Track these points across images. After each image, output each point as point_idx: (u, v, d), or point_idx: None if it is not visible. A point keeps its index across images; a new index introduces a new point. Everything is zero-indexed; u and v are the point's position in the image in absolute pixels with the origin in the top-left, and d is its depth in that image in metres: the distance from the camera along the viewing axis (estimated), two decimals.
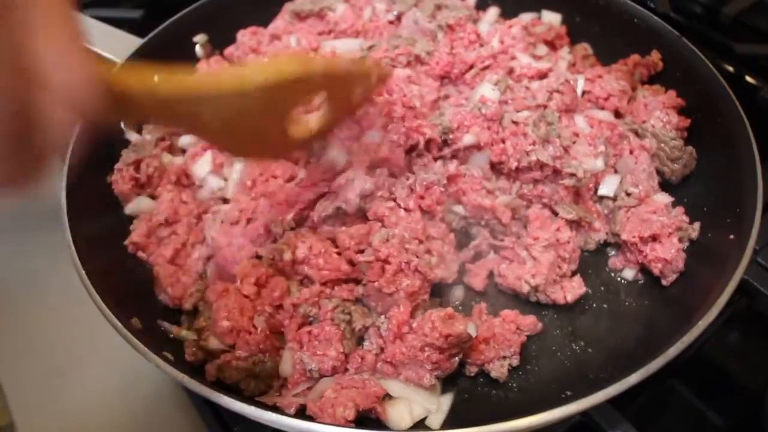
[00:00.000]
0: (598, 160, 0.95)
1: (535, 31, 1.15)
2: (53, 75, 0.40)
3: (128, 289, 0.88)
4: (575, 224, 0.95)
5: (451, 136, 0.95)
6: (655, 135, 1.01)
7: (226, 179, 1.00)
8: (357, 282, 0.87)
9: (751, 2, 1.33)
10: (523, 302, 0.91)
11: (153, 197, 1.00)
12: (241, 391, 0.79)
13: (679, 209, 0.95)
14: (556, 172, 0.94)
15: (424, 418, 0.78)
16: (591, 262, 0.97)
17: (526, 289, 0.88)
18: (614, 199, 0.98)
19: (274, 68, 0.66)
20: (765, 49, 1.27)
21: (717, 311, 0.74)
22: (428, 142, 0.95)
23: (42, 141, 0.41)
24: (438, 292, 0.90)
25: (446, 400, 0.80)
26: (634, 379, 0.68)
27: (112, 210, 0.99)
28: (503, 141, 0.94)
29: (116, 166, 1.01)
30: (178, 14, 1.21)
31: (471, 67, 1.07)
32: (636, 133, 1.03)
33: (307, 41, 1.15)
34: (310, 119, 0.81)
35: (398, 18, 1.18)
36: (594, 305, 0.92)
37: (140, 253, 0.94)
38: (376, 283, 0.82)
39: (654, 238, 0.90)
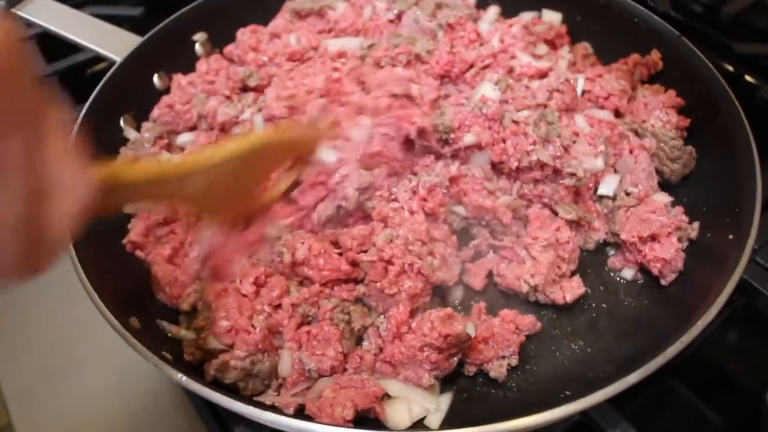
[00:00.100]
0: (598, 159, 0.95)
1: (535, 30, 1.15)
2: (59, 184, 0.44)
3: (126, 288, 0.87)
4: (575, 224, 0.95)
5: (452, 136, 0.95)
6: (654, 134, 1.01)
7: None
8: (357, 282, 0.87)
9: (750, 2, 1.33)
10: (522, 302, 0.91)
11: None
12: (239, 390, 0.79)
13: (679, 209, 0.95)
14: (557, 172, 0.94)
15: (423, 418, 0.78)
16: (590, 262, 0.97)
17: (525, 288, 0.88)
18: (614, 198, 0.98)
19: (244, 140, 0.73)
20: (765, 49, 1.27)
21: (716, 311, 0.74)
22: (422, 133, 0.95)
23: (47, 240, 0.45)
24: (437, 291, 0.90)
25: (445, 400, 0.80)
26: (633, 378, 0.68)
27: None
28: (504, 141, 0.94)
29: None
30: (178, 12, 1.21)
31: (471, 66, 1.07)
32: (636, 133, 1.02)
33: (307, 40, 1.15)
34: (280, 183, 0.87)
35: (398, 17, 1.18)
36: (593, 305, 0.92)
37: (138, 252, 0.94)
38: (378, 284, 0.82)
39: (653, 238, 0.90)
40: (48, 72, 1.34)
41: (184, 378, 0.70)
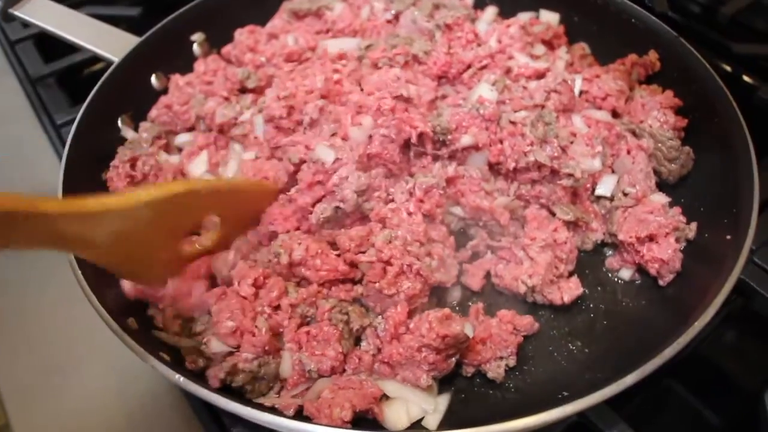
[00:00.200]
0: (595, 160, 0.95)
1: (533, 31, 1.15)
2: None
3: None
4: (572, 225, 0.95)
5: (449, 137, 0.95)
6: (652, 135, 1.01)
7: None
8: (354, 282, 0.87)
9: (748, 2, 1.33)
10: (520, 302, 0.91)
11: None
12: (244, 393, 0.79)
13: (676, 209, 0.95)
14: (554, 173, 0.94)
15: (421, 419, 0.78)
16: (588, 263, 0.97)
17: (523, 289, 0.88)
18: (611, 199, 0.98)
19: (157, 188, 0.71)
20: (762, 49, 1.27)
21: (714, 311, 0.74)
22: (421, 137, 0.95)
23: None
24: (435, 292, 0.90)
25: (443, 401, 0.80)
26: (630, 379, 0.68)
27: None
28: (501, 141, 0.94)
29: (112, 164, 1.01)
30: (176, 12, 1.21)
31: (468, 66, 1.07)
32: (633, 133, 1.03)
33: (304, 40, 1.15)
34: (201, 239, 0.86)
35: (396, 17, 1.18)
36: (591, 305, 0.92)
37: None
38: (377, 284, 0.82)
39: (651, 239, 0.91)
40: (45, 72, 1.34)
41: (182, 379, 0.70)
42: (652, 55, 1.12)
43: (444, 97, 1.04)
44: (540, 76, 1.05)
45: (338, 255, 0.86)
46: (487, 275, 0.94)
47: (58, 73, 1.34)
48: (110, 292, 0.81)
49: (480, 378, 0.84)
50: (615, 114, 1.07)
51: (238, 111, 1.05)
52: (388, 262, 0.83)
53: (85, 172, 0.97)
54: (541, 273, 0.88)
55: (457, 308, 0.92)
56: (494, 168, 0.97)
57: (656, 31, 1.11)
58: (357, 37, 1.16)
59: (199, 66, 1.18)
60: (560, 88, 1.00)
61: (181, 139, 1.09)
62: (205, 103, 1.08)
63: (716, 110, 0.98)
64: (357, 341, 0.83)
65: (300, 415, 0.76)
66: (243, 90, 1.11)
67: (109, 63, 1.12)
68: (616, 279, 0.95)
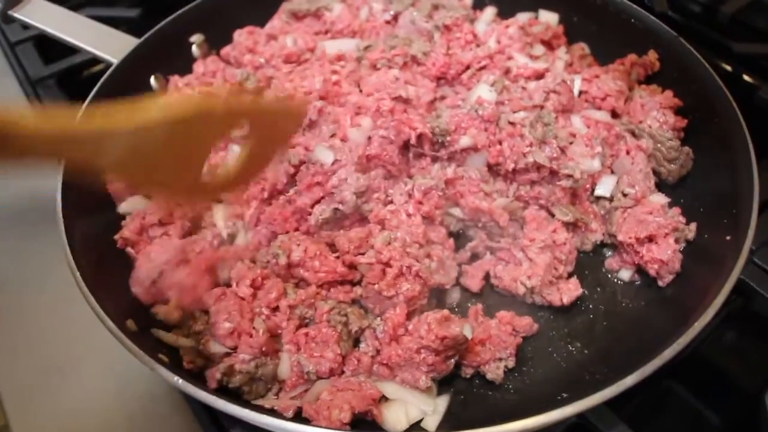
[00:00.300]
0: (594, 160, 0.95)
1: (532, 31, 1.15)
2: None
3: (123, 290, 0.87)
4: (572, 225, 0.95)
5: (448, 138, 0.94)
6: (651, 135, 1.01)
7: None
8: (353, 284, 0.87)
9: (748, 1, 1.33)
10: (519, 303, 0.91)
11: (147, 197, 1.00)
12: (242, 395, 0.79)
13: (676, 210, 0.95)
14: (553, 173, 0.94)
15: (420, 420, 0.78)
16: (587, 263, 0.96)
17: (522, 290, 0.88)
18: (611, 199, 0.98)
19: (169, 107, 0.65)
20: (763, 48, 1.27)
21: (713, 312, 0.74)
22: (420, 138, 0.95)
23: None
24: (434, 293, 0.90)
25: (442, 402, 0.80)
26: (630, 380, 0.68)
27: (108, 209, 0.99)
28: (500, 142, 0.94)
29: None
30: (175, 14, 1.21)
31: (467, 67, 1.07)
32: (633, 134, 1.02)
33: (303, 41, 1.15)
34: (227, 163, 0.80)
35: (395, 18, 1.18)
36: (590, 306, 0.92)
37: (129, 250, 0.93)
38: (376, 286, 0.82)
39: (650, 239, 0.90)
40: (45, 74, 1.34)
41: (180, 381, 0.70)
42: (652, 55, 1.12)
43: (443, 98, 1.04)
44: (539, 76, 1.05)
45: (337, 257, 0.86)
46: (487, 276, 0.94)
47: (58, 75, 1.34)
48: (109, 293, 0.81)
49: (479, 379, 0.84)
50: (614, 114, 1.07)
51: None
52: (387, 264, 0.83)
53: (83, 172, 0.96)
54: (541, 274, 0.87)
55: (456, 309, 0.91)
56: (493, 169, 0.97)
57: (656, 30, 1.11)
58: (356, 38, 1.16)
59: (198, 67, 1.18)
60: (559, 88, 1.00)
61: None
62: None
63: (716, 110, 0.98)
64: (356, 343, 0.83)
65: (299, 416, 0.76)
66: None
67: (109, 64, 1.12)
68: (615, 280, 0.95)
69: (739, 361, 0.95)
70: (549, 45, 1.17)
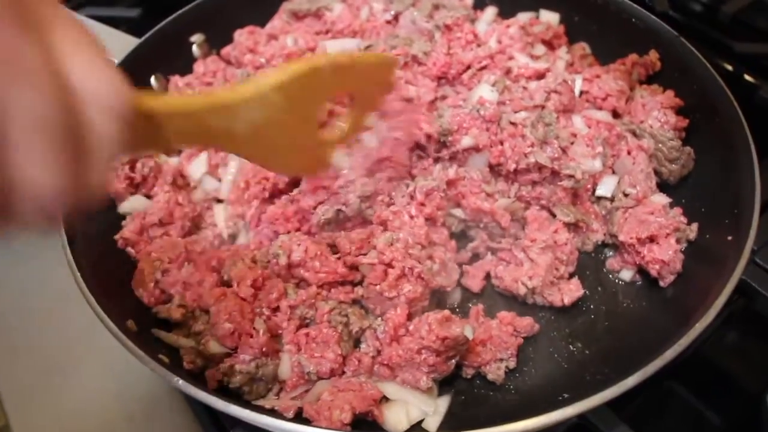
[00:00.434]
0: (596, 160, 0.95)
1: (533, 31, 1.15)
2: (88, 84, 0.42)
3: (124, 291, 0.87)
4: (573, 226, 0.95)
5: (449, 139, 0.94)
6: (653, 135, 1.01)
7: (220, 180, 0.99)
8: (354, 284, 0.87)
9: (750, 1, 1.33)
10: (520, 304, 0.91)
11: (148, 197, 1.00)
12: (242, 395, 0.79)
13: (677, 210, 0.95)
14: (555, 174, 0.93)
15: (421, 421, 0.78)
16: (588, 264, 0.96)
17: (523, 291, 0.88)
18: (612, 199, 0.97)
19: (284, 69, 0.68)
20: (764, 48, 1.26)
21: (715, 313, 0.73)
22: (428, 139, 0.95)
23: (93, 149, 0.43)
24: (435, 293, 0.89)
25: (443, 403, 0.80)
26: (631, 381, 0.68)
27: (108, 209, 0.99)
28: (501, 143, 0.94)
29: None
30: (175, 14, 1.21)
31: (468, 67, 1.06)
32: (634, 134, 1.02)
33: (304, 41, 1.15)
34: (339, 121, 0.84)
35: (395, 17, 1.18)
36: (591, 306, 0.91)
37: (129, 250, 0.93)
38: (378, 287, 0.82)
39: (651, 239, 0.90)
40: None
41: (181, 381, 0.70)
42: (653, 55, 1.11)
43: (444, 98, 1.04)
44: (540, 76, 1.05)
45: (338, 258, 0.86)
46: (487, 277, 0.94)
47: None
48: (109, 293, 0.81)
49: (480, 380, 0.84)
50: (615, 114, 1.06)
51: None
52: (389, 265, 0.83)
53: None
54: (542, 274, 0.87)
55: (457, 310, 0.91)
56: (495, 169, 0.96)
57: (657, 30, 1.11)
58: (356, 38, 1.15)
59: (199, 67, 1.18)
60: (560, 88, 0.99)
61: None
62: None
63: (717, 110, 0.98)
64: (356, 343, 0.83)
65: (299, 417, 0.76)
66: None
67: None
68: (616, 280, 0.95)
69: (740, 361, 0.95)
70: (550, 45, 1.17)
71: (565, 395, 0.78)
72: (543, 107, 0.97)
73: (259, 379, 0.79)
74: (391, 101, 0.92)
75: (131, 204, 0.98)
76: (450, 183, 0.94)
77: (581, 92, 1.06)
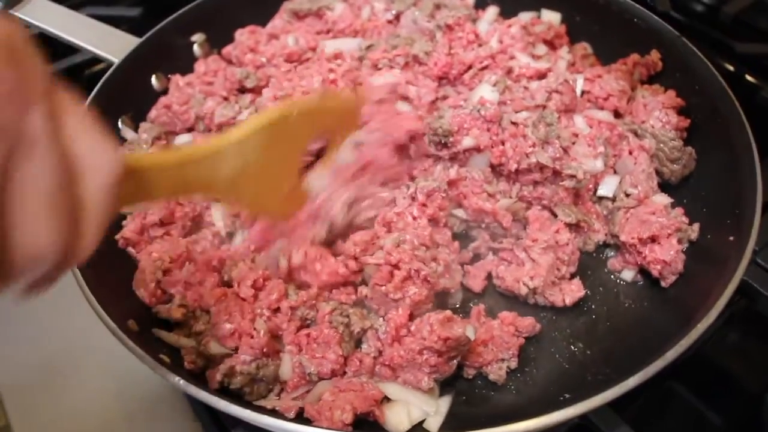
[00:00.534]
0: (597, 160, 0.95)
1: (534, 31, 1.15)
2: (89, 155, 0.45)
3: (125, 291, 0.87)
4: (574, 226, 0.95)
5: (450, 139, 0.94)
6: (654, 135, 1.00)
7: None
8: (356, 285, 0.87)
9: (751, 1, 1.33)
10: (522, 304, 0.91)
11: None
12: (243, 395, 0.78)
13: (679, 210, 0.95)
14: (556, 174, 0.93)
15: (423, 421, 0.78)
16: (590, 264, 0.96)
17: (524, 291, 0.87)
18: (613, 199, 0.97)
19: (254, 119, 0.72)
20: (765, 49, 1.27)
21: (716, 313, 0.73)
22: (414, 137, 0.94)
23: (89, 213, 0.46)
24: (437, 293, 0.89)
25: (444, 403, 0.80)
26: (632, 382, 0.68)
27: None
28: (503, 143, 0.94)
29: None
30: (176, 13, 1.21)
31: (469, 67, 1.06)
32: (635, 134, 1.02)
33: (305, 40, 1.15)
34: (316, 170, 0.88)
35: (397, 17, 1.18)
36: (593, 307, 0.91)
37: (130, 249, 0.93)
38: (383, 288, 0.81)
39: (653, 240, 0.90)
40: None
41: (182, 381, 0.70)
42: (654, 55, 1.11)
43: (445, 98, 1.04)
44: (541, 76, 1.05)
45: (336, 258, 0.86)
46: (489, 277, 0.94)
47: (58, 74, 1.34)
48: (110, 293, 0.81)
49: (481, 380, 0.84)
50: (617, 114, 1.06)
51: (237, 111, 1.05)
52: (396, 266, 0.82)
53: None
54: (543, 275, 0.87)
55: (458, 310, 0.91)
56: (496, 169, 0.96)
57: (658, 30, 1.11)
58: (358, 38, 1.15)
59: (200, 66, 1.18)
60: (562, 88, 0.99)
61: (181, 139, 1.09)
62: (204, 103, 1.08)
63: (719, 110, 0.97)
64: (358, 344, 0.83)
65: (300, 417, 0.76)
66: (242, 90, 1.11)
67: (110, 64, 1.12)
68: (618, 280, 0.95)
69: (742, 362, 0.95)
70: (551, 45, 1.17)
71: (567, 395, 0.78)
72: (544, 107, 0.97)
73: (260, 379, 0.79)
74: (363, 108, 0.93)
75: None
76: (451, 183, 0.94)
77: (583, 92, 1.06)
